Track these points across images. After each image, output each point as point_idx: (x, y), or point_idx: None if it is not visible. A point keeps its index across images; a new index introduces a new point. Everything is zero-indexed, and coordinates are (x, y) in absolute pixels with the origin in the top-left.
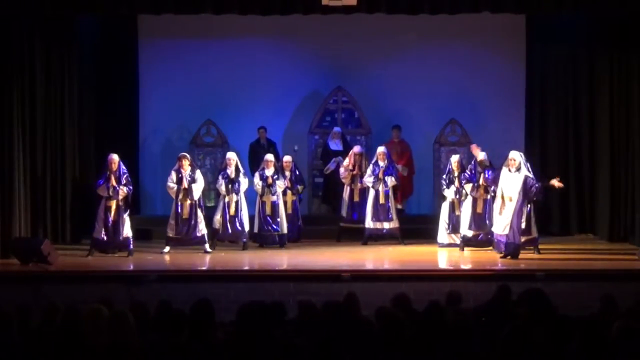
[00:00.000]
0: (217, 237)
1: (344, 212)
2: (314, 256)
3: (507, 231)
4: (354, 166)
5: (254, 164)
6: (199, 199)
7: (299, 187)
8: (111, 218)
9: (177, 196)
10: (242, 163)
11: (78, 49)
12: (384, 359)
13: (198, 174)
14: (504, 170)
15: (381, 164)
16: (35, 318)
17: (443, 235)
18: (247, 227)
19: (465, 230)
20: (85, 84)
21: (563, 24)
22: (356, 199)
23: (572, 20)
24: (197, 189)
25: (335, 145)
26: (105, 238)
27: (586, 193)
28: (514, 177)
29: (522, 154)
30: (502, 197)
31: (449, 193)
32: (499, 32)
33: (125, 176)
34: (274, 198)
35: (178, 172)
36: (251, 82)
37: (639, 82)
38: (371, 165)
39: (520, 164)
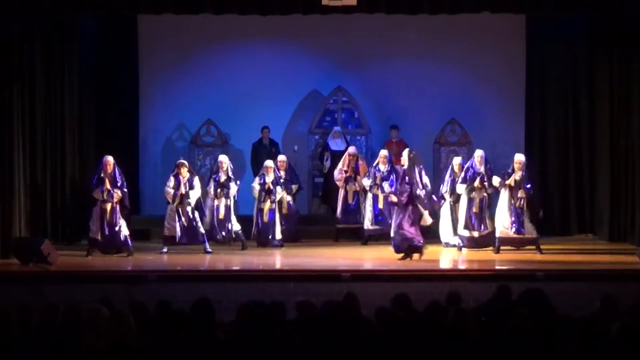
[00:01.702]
0: (210, 238)
1: (339, 215)
2: (313, 256)
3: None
4: (347, 168)
5: (255, 164)
6: (198, 202)
7: (293, 187)
8: (107, 220)
9: (173, 201)
10: (245, 163)
11: (78, 49)
12: (383, 359)
13: (196, 181)
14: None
15: (382, 167)
16: (35, 318)
17: (446, 234)
18: (236, 228)
19: (462, 230)
20: (85, 84)
21: (563, 24)
22: (350, 200)
23: (572, 20)
24: (194, 196)
25: (335, 145)
26: (102, 239)
27: (586, 193)
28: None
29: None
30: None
31: (461, 188)
32: (499, 32)
33: (120, 177)
34: (272, 206)
35: (176, 177)
36: (251, 82)
37: (638, 82)
38: (372, 168)
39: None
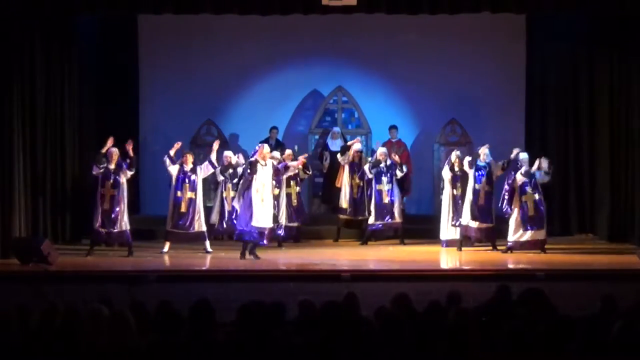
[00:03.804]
0: (214, 233)
1: (344, 204)
2: (314, 256)
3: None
4: (352, 161)
5: None
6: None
7: (308, 172)
8: (106, 206)
9: (176, 188)
10: None
11: (78, 49)
12: (383, 359)
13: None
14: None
15: (382, 165)
16: (35, 318)
17: (444, 231)
18: None
19: (468, 220)
20: (85, 84)
21: (563, 24)
22: (355, 195)
23: (572, 20)
24: (204, 170)
25: (335, 145)
26: (102, 229)
27: (586, 193)
28: (266, 169)
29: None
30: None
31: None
32: (499, 32)
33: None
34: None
35: (181, 165)
36: (251, 82)
37: (638, 82)
38: (370, 164)
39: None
